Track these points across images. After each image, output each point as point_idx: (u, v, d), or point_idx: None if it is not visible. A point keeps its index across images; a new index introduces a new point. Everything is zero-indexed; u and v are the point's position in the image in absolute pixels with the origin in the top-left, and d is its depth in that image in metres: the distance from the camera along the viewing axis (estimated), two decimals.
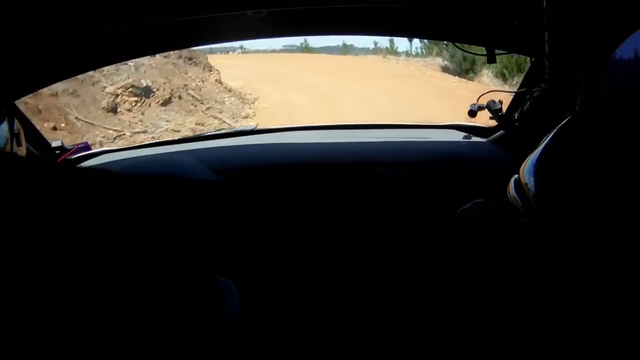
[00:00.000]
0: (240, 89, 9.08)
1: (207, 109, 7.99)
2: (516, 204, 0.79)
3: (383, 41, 13.15)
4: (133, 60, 6.84)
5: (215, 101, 8.39)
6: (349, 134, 1.95)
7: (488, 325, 1.26)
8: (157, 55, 7.66)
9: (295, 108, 7.93)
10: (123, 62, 6.74)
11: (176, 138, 2.42)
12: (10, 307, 0.37)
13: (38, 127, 1.66)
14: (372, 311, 1.50)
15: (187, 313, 0.45)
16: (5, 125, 1.27)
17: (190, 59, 8.88)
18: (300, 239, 1.56)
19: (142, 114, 7.38)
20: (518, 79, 7.75)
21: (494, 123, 1.65)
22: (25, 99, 2.68)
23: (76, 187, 0.45)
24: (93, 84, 7.23)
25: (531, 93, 1.40)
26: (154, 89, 7.69)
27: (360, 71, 10.36)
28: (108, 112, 7.13)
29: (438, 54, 11.44)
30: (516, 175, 0.80)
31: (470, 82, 9.55)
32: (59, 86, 6.31)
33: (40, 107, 6.12)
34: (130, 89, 7.44)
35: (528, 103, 1.43)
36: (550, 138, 0.75)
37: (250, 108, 8.48)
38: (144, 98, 7.53)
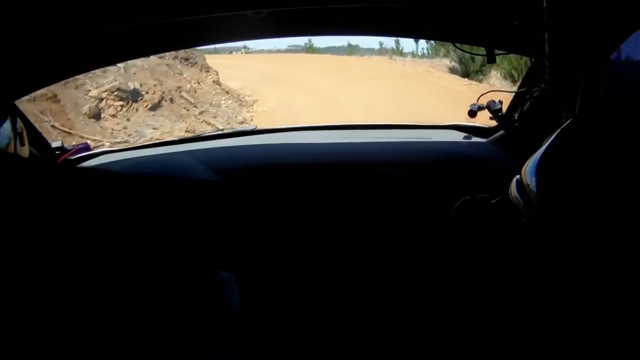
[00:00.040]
0: (239, 90, 8.82)
1: (200, 113, 7.46)
2: (518, 204, 0.79)
3: (388, 42, 12.98)
4: None
5: (211, 104, 7.88)
6: (349, 134, 1.95)
7: (488, 324, 1.26)
8: (152, 56, 6.91)
9: (295, 112, 7.60)
10: None
11: (176, 138, 2.42)
12: (11, 305, 0.37)
13: None
14: (372, 311, 1.50)
15: (188, 311, 0.45)
16: (7, 124, 1.26)
17: (186, 59, 8.43)
18: (300, 239, 1.56)
19: (128, 119, 6.82)
20: None
21: (494, 123, 1.65)
22: None
23: (76, 187, 0.45)
24: (76, 87, 6.64)
25: (531, 93, 1.40)
26: (143, 92, 7.14)
27: (366, 72, 10.02)
28: (90, 118, 6.53)
29: (445, 55, 11.19)
30: (518, 176, 0.80)
31: (480, 84, 9.25)
32: (37, 91, 5.75)
33: None
34: (115, 93, 6.86)
35: (528, 103, 1.43)
36: (552, 140, 0.75)
37: (247, 111, 8.03)
38: (131, 102, 6.97)
